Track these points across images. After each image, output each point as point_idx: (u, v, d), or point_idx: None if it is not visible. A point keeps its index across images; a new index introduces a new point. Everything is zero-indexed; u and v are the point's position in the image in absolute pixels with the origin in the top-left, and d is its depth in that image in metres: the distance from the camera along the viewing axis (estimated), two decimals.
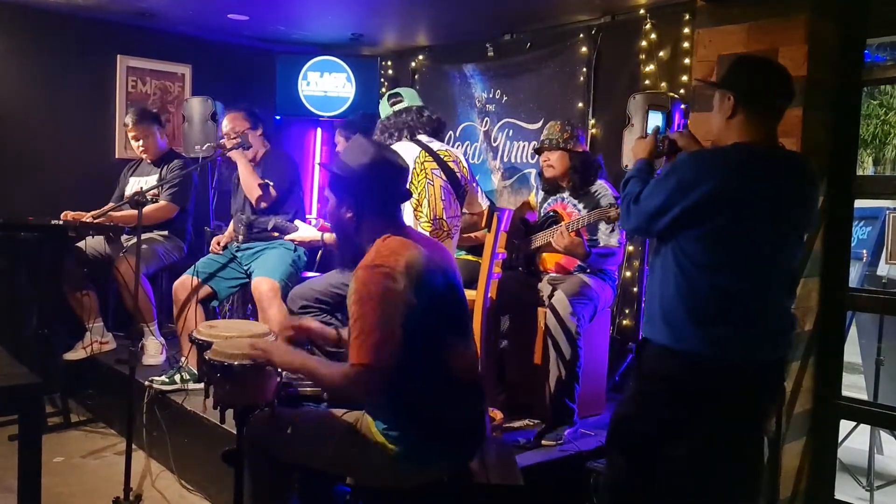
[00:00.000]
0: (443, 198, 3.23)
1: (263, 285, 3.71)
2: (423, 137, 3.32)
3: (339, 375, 2.01)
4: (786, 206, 2.22)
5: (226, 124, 4.10)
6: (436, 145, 3.32)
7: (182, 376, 3.75)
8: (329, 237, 3.55)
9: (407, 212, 3.13)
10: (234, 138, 4.01)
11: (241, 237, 3.94)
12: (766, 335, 2.24)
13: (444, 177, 3.25)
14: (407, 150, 3.17)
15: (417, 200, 3.16)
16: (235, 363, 2.27)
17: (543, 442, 3.30)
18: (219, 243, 4.12)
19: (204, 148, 4.12)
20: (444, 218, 3.23)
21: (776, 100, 2.27)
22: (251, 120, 4.10)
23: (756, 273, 2.18)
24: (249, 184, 3.91)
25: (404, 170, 2.18)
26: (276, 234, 3.88)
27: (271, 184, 3.92)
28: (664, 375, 2.27)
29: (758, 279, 2.19)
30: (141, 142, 4.53)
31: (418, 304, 2.00)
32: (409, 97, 3.44)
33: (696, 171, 2.18)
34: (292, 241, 3.71)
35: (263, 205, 3.92)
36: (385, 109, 3.43)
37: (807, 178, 2.27)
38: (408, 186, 2.29)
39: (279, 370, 2.30)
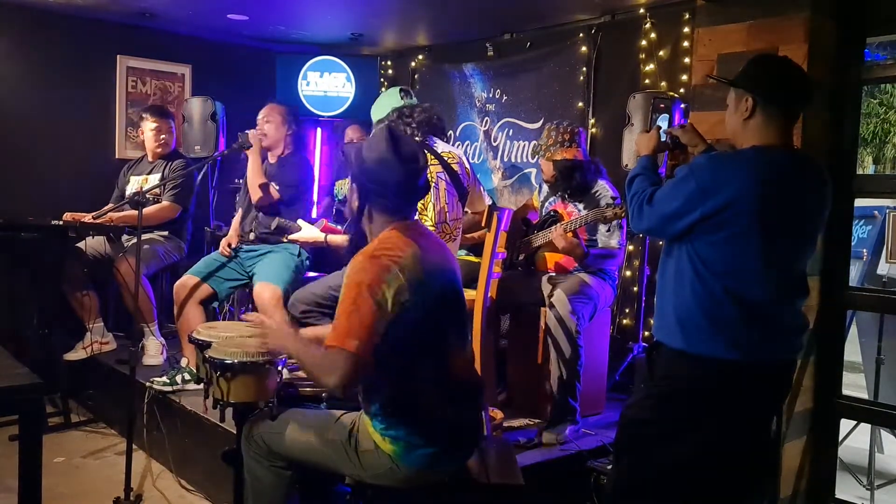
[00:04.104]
0: (447, 200, 3.23)
1: (266, 293, 3.68)
2: (430, 139, 3.31)
3: (318, 359, 2.00)
4: (804, 211, 2.21)
5: (262, 113, 4.09)
6: (440, 147, 3.30)
7: (182, 377, 3.75)
8: (332, 238, 3.54)
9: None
10: (266, 124, 4.02)
11: (252, 235, 3.92)
12: (781, 337, 2.23)
13: (447, 179, 3.24)
14: None
15: (423, 204, 3.14)
16: (235, 361, 2.28)
17: (544, 437, 3.31)
18: (230, 245, 4.05)
19: (240, 140, 4.01)
20: (448, 221, 3.22)
21: (796, 103, 2.25)
22: (287, 118, 4.11)
23: (774, 277, 2.17)
24: (252, 181, 3.91)
25: (421, 167, 2.14)
26: (284, 238, 3.84)
27: (274, 186, 3.90)
28: (679, 379, 2.25)
29: (775, 283, 2.17)
30: (164, 136, 4.58)
31: (414, 302, 1.98)
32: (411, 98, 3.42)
33: (716, 176, 2.15)
34: (295, 241, 3.71)
35: (261, 203, 3.89)
36: (394, 100, 3.37)
37: (823, 181, 2.26)
38: (429, 181, 2.25)
39: (276, 363, 2.30)
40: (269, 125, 4.03)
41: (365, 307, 1.94)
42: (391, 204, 2.13)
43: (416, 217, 2.26)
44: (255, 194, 3.90)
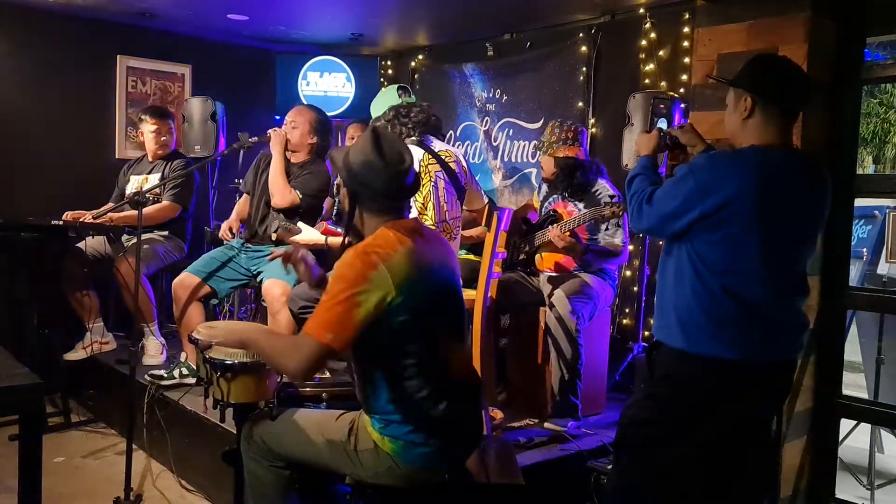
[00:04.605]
0: (446, 199, 3.23)
1: (276, 289, 3.63)
2: (427, 138, 3.31)
3: (283, 341, 2.07)
4: (804, 210, 2.21)
5: (290, 116, 3.95)
6: (437, 146, 3.31)
7: (180, 371, 3.76)
8: (332, 241, 3.53)
9: (412, 215, 3.11)
10: (293, 130, 3.91)
11: (275, 235, 3.88)
12: (781, 336, 2.23)
13: (446, 177, 3.24)
14: (412, 152, 3.17)
15: (423, 204, 3.15)
16: (236, 362, 2.28)
17: (546, 424, 3.34)
18: (230, 229, 3.98)
19: (251, 138, 3.92)
20: (448, 220, 3.23)
21: (795, 102, 2.25)
22: (316, 128, 3.95)
23: (774, 276, 2.16)
24: (275, 181, 3.80)
25: (407, 166, 2.15)
26: (286, 240, 3.79)
27: (297, 193, 3.80)
28: (679, 378, 2.25)
29: (775, 282, 2.17)
30: (165, 138, 4.56)
31: (404, 301, 1.98)
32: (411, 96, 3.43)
33: (714, 174, 2.15)
34: (296, 243, 3.69)
35: (279, 204, 3.81)
36: (392, 99, 3.37)
37: (823, 181, 2.25)
38: (419, 178, 2.26)
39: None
40: (295, 132, 3.90)
41: (345, 303, 1.95)
42: (380, 205, 2.14)
43: (410, 215, 2.26)
44: (277, 194, 3.80)
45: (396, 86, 3.43)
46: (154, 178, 4.50)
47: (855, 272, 4.66)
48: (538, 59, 4.92)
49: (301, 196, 3.81)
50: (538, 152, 3.81)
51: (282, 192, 3.77)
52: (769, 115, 2.20)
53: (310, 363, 1.94)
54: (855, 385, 4.84)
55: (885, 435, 4.32)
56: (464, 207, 3.43)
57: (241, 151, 4.06)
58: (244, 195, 4.19)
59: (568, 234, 3.46)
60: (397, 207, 2.18)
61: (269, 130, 3.91)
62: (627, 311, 4.36)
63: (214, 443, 3.13)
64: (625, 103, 3.83)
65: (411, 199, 3.09)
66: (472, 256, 3.94)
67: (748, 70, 2.26)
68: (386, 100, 3.37)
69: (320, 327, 1.94)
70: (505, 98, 5.15)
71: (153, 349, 4.23)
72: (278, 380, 2.38)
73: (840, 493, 3.33)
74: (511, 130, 5.11)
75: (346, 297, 1.95)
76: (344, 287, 1.96)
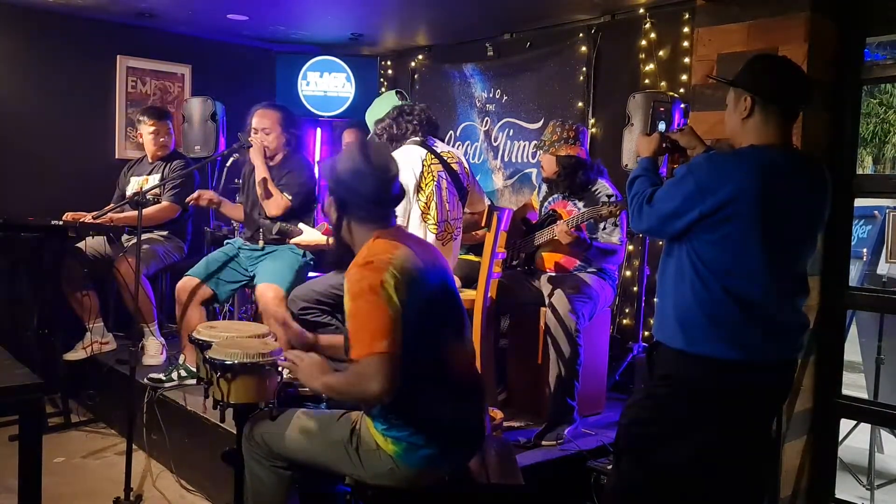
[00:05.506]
0: (448, 200, 3.24)
1: (269, 292, 3.64)
2: (430, 139, 3.32)
3: (352, 376, 2.00)
4: (804, 210, 2.21)
5: (257, 122, 3.90)
6: (440, 147, 3.32)
7: (180, 374, 3.75)
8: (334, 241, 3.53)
9: (414, 215, 3.12)
10: (266, 136, 3.87)
11: (262, 243, 3.88)
12: (782, 336, 2.23)
13: (448, 178, 3.25)
14: (414, 153, 3.18)
15: (426, 204, 3.15)
16: (235, 362, 2.28)
17: (543, 442, 3.30)
18: (204, 196, 3.92)
19: (234, 146, 3.90)
20: (449, 220, 3.23)
21: (794, 102, 2.25)
22: (283, 125, 3.92)
23: (774, 276, 2.17)
24: (266, 192, 3.79)
25: (393, 175, 2.18)
26: (287, 240, 3.78)
27: (286, 196, 3.79)
28: (679, 378, 2.25)
29: (775, 282, 2.17)
30: (164, 139, 4.56)
31: (409, 302, 2.00)
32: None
33: (713, 174, 2.15)
34: (297, 244, 3.70)
35: (275, 213, 3.80)
36: (393, 101, 3.37)
37: (823, 181, 2.26)
38: (404, 189, 2.28)
39: (276, 364, 2.31)
40: (270, 137, 3.87)
41: (377, 309, 1.96)
42: (367, 214, 2.17)
43: (398, 222, 2.29)
44: (268, 204, 3.79)
45: (394, 90, 3.45)
46: (154, 179, 4.50)
47: (855, 272, 4.66)
48: (538, 59, 4.92)
49: (290, 196, 3.82)
50: (539, 151, 3.82)
51: (276, 202, 3.78)
52: (769, 114, 2.21)
53: (386, 379, 1.92)
54: (855, 385, 4.84)
55: (885, 435, 4.31)
56: (466, 209, 3.44)
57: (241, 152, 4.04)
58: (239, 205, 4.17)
59: (573, 229, 3.46)
60: (384, 215, 2.21)
61: (248, 138, 3.88)
62: (627, 311, 4.36)
63: (214, 443, 3.13)
64: (625, 103, 3.83)
65: (414, 200, 3.10)
66: (472, 256, 3.94)
67: (748, 70, 2.26)
68: (387, 102, 3.37)
69: (370, 342, 1.94)
70: (505, 98, 5.15)
71: (153, 349, 4.23)
72: (278, 380, 2.38)
73: (840, 493, 3.33)
74: (511, 130, 5.11)
75: (374, 305, 1.96)
76: (367, 299, 1.97)
